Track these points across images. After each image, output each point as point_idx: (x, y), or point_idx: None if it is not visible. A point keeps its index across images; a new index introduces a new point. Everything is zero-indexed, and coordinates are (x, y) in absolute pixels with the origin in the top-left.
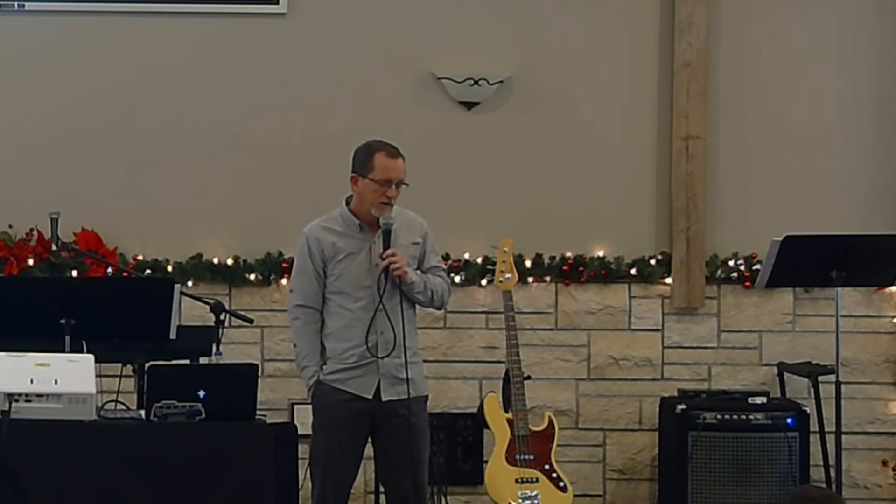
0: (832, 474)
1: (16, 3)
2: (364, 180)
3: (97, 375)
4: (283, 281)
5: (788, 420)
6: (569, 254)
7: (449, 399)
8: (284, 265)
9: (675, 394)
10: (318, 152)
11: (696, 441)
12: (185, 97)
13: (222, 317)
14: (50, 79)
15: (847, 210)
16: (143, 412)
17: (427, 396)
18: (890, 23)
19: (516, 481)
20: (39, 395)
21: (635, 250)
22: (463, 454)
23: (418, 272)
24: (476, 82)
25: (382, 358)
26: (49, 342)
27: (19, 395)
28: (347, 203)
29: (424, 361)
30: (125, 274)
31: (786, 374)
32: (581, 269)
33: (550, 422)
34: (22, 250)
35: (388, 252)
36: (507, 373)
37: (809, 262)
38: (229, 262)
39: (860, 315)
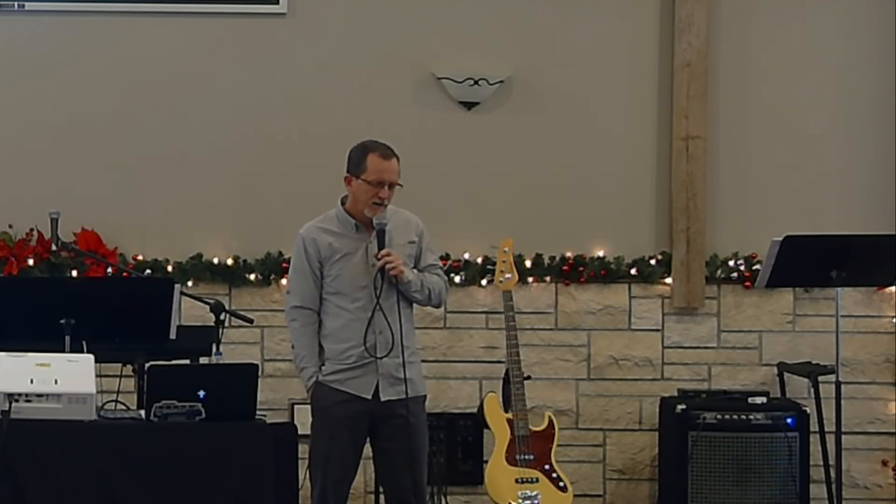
0: (832, 474)
1: (16, 3)
2: (357, 181)
3: (97, 375)
4: (283, 281)
5: (788, 420)
6: (569, 254)
7: (449, 399)
8: (284, 265)
9: (675, 394)
10: (318, 152)
11: (696, 441)
12: (185, 97)
13: (222, 317)
14: (50, 79)
15: (847, 210)
16: (143, 412)
17: (425, 396)
18: (890, 23)
19: (516, 481)
20: (39, 395)
21: (635, 250)
22: (463, 454)
23: (415, 271)
24: (476, 82)
25: (381, 358)
26: (49, 342)
27: (19, 395)
28: (343, 203)
29: (424, 361)
30: (125, 274)
31: (786, 374)
32: (581, 269)
33: (550, 422)
34: (22, 250)
35: (384, 252)
36: (507, 373)
37: (809, 262)
38: (229, 262)
39: (860, 315)
